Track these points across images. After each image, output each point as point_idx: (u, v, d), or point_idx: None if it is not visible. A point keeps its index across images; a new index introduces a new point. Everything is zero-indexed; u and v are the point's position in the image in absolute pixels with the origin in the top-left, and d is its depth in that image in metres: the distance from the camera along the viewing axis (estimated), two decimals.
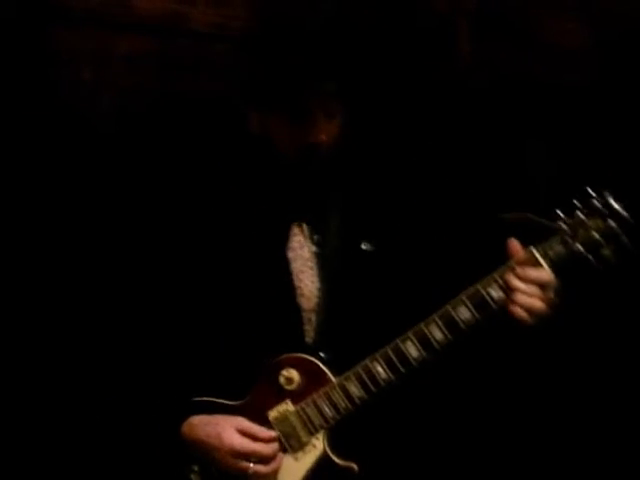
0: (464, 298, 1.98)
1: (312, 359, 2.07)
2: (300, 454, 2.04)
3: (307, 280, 2.16)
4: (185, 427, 2.05)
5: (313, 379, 2.05)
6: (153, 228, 2.20)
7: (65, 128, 2.60)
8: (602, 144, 2.74)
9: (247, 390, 2.10)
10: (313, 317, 2.14)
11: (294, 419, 2.04)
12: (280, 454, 2.04)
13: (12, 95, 2.57)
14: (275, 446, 2.03)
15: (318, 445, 2.04)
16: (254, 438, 2.03)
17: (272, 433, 2.03)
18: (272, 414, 2.05)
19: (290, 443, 2.05)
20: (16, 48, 2.56)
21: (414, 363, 2.01)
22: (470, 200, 2.74)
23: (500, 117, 2.78)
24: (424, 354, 2.00)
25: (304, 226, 2.18)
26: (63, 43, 2.57)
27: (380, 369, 2.01)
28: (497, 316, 1.98)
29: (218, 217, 2.19)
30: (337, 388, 2.04)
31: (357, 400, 2.03)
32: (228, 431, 2.03)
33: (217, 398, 2.09)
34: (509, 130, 2.84)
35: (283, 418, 2.05)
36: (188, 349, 2.15)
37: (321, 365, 2.06)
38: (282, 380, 2.05)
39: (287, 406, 2.05)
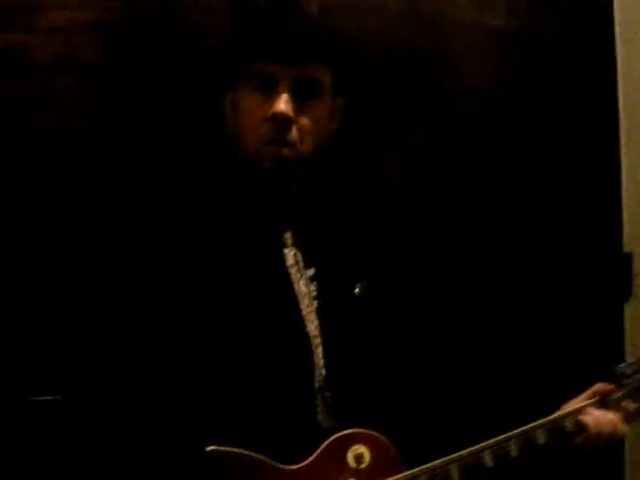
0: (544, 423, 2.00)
1: (388, 443, 1.89)
2: None
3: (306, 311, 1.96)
4: None
5: (384, 464, 1.88)
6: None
7: None
8: None
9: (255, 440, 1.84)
10: (316, 363, 1.93)
11: None
12: None
13: None
14: None
15: None
16: None
17: None
18: None
19: None
20: None
21: (488, 473, 1.93)
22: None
23: None
24: (498, 467, 1.93)
25: (298, 255, 1.99)
26: None
27: (455, 473, 1.89)
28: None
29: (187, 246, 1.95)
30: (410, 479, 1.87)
31: None
32: None
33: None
34: None
35: None
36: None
37: (394, 450, 1.90)
38: (350, 456, 1.87)
39: None
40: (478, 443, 1.93)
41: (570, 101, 2.79)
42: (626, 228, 2.82)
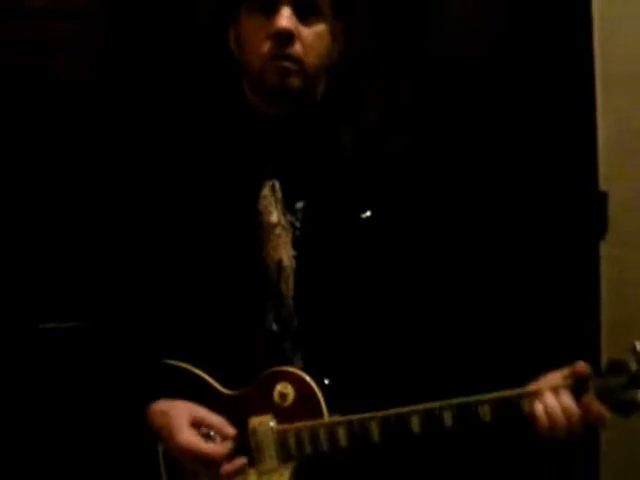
0: (490, 398, 1.81)
1: (313, 385, 1.87)
2: (265, 477, 1.87)
3: (272, 251, 1.95)
4: (148, 414, 1.89)
5: (306, 405, 1.87)
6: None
7: None
8: None
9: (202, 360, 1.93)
10: (284, 293, 1.94)
11: (272, 439, 1.87)
12: (242, 459, 1.87)
13: None
14: (229, 445, 1.86)
15: (285, 475, 1.87)
16: (209, 428, 1.86)
17: (230, 430, 1.87)
18: (253, 422, 1.88)
19: (259, 458, 1.88)
20: None
21: (412, 439, 1.83)
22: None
23: None
24: (427, 434, 1.82)
25: (276, 186, 1.98)
26: None
27: (375, 432, 1.82)
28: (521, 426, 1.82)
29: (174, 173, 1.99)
30: (325, 428, 1.85)
31: (339, 449, 1.84)
32: (179, 425, 1.86)
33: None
34: None
35: (262, 432, 1.88)
36: (152, 307, 1.98)
37: (319, 395, 1.87)
38: (276, 393, 1.88)
39: (270, 422, 1.88)
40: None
41: (547, 44, 2.85)
42: (601, 167, 2.85)
